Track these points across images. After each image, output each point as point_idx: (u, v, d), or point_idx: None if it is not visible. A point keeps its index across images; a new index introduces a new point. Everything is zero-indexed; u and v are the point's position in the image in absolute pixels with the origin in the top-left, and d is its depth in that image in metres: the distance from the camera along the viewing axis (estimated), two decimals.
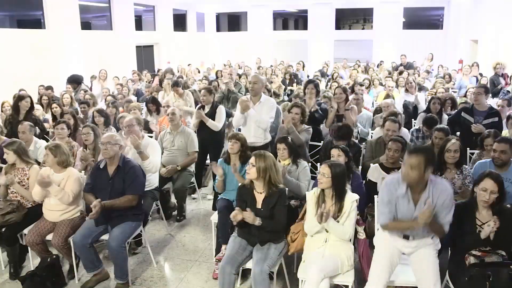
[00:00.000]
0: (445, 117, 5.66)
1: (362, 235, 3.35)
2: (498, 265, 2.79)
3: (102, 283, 3.70)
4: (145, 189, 3.96)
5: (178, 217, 4.98)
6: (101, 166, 3.68)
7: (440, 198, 2.62)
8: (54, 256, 3.68)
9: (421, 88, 8.02)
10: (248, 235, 3.28)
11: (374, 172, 3.86)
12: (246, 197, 3.32)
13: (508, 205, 3.03)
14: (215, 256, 3.84)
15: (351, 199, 3.07)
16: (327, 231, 3.07)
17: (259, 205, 3.26)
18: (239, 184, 3.55)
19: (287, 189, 3.43)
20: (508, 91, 6.75)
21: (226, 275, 3.09)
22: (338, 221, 3.04)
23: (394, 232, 2.77)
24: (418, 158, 2.56)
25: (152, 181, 4.32)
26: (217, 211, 3.89)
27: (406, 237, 2.69)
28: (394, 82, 8.45)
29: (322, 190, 3.13)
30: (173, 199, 5.12)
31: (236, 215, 3.13)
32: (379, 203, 2.92)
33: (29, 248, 3.83)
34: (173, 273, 3.91)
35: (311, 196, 3.17)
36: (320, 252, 3.03)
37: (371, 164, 4.00)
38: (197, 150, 5.10)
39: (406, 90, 7.02)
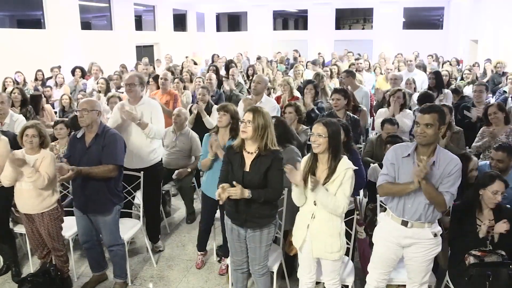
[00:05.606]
0: (446, 91, 5.88)
1: (362, 235, 3.35)
2: (498, 265, 2.80)
3: (102, 283, 3.70)
4: (151, 161, 3.97)
5: (188, 220, 4.92)
6: (78, 136, 3.32)
7: (447, 166, 2.54)
8: (53, 263, 3.62)
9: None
10: (235, 213, 2.89)
11: (374, 172, 3.86)
12: (233, 158, 2.87)
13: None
14: (202, 255, 4.01)
15: (346, 165, 2.67)
16: (315, 204, 2.73)
17: (247, 168, 2.81)
18: (227, 145, 3.15)
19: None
20: (505, 91, 6.75)
21: (234, 278, 3.17)
22: (327, 189, 2.66)
23: (393, 221, 2.73)
24: (432, 115, 2.53)
25: (157, 150, 4.09)
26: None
27: (404, 223, 2.67)
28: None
29: (315, 155, 2.73)
30: (172, 201, 5.12)
31: (220, 194, 2.68)
32: (383, 165, 2.82)
33: (29, 254, 3.83)
34: (173, 273, 3.91)
35: (303, 162, 2.85)
36: (303, 236, 2.81)
37: (371, 164, 4.00)
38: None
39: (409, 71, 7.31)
